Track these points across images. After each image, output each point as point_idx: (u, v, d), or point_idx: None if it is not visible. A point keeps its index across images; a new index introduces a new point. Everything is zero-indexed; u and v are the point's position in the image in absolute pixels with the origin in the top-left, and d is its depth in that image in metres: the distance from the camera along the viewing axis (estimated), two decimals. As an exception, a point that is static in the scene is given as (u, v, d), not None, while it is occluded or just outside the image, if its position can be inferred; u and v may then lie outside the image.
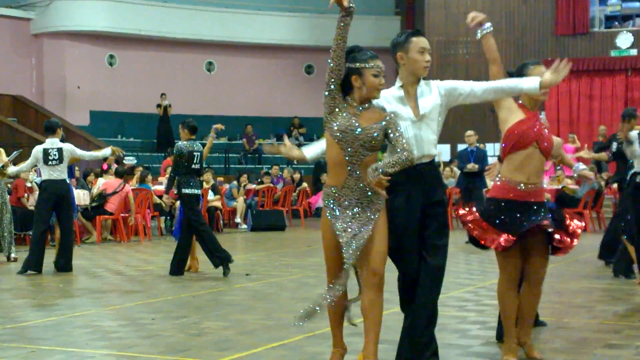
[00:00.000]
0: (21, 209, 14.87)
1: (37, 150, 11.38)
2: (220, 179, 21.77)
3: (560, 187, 19.23)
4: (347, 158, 5.03)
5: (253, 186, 20.58)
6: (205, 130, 13.47)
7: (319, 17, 27.50)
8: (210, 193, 18.35)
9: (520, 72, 5.77)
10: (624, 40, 25.10)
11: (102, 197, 16.03)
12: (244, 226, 19.70)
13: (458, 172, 17.87)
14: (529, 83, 5.38)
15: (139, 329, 7.00)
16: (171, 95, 26.23)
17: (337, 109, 5.07)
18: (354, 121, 5.03)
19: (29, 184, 15.20)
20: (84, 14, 25.92)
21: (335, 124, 5.05)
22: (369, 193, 5.04)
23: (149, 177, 18.41)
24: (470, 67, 25.39)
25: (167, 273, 10.78)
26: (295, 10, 28.14)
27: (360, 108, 5.09)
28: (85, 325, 7.19)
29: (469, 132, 16.67)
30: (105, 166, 19.22)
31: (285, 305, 8.26)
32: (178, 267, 10.82)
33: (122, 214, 16.16)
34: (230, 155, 26.25)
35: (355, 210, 5.04)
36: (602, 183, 19.12)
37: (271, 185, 21.06)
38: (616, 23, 25.79)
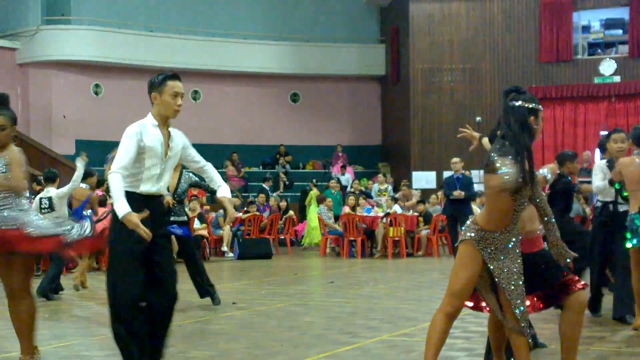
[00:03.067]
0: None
1: (36, 198, 11.82)
2: (207, 207, 21.74)
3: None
4: (517, 208, 4.98)
5: (239, 214, 20.56)
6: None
7: (304, 45, 27.53)
8: (197, 222, 18.30)
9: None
10: (607, 67, 25.31)
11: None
12: (231, 254, 19.65)
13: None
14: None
15: (125, 359, 6.95)
16: (157, 124, 26.20)
17: (493, 161, 4.93)
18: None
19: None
20: (69, 43, 25.95)
21: (507, 176, 4.86)
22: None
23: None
24: (455, 94, 25.50)
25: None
26: (281, 38, 28.23)
27: None
28: (71, 356, 7.15)
29: (455, 160, 16.82)
30: (100, 192, 19.05)
31: (271, 334, 8.23)
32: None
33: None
34: (216, 183, 26.18)
35: (505, 254, 5.07)
36: (587, 210, 19.17)
37: (257, 213, 21.05)
38: (599, 50, 26.01)
